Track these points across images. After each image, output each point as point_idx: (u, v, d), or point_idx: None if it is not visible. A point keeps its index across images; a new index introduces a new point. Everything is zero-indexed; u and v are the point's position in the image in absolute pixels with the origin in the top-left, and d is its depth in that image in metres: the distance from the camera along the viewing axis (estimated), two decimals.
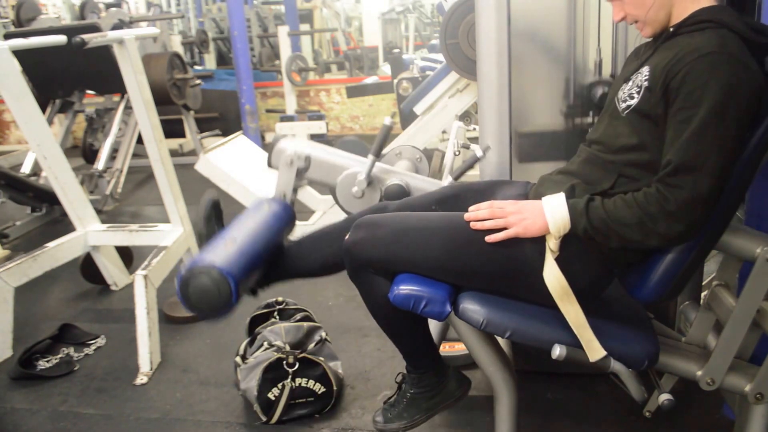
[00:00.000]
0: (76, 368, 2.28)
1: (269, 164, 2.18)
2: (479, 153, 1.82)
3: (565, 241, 1.26)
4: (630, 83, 1.29)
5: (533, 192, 1.44)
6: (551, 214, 1.25)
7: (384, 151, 2.17)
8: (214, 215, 1.59)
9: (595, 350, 1.25)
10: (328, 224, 1.64)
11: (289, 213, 1.70)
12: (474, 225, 1.30)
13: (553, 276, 1.26)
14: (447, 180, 2.15)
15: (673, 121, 1.17)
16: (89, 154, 4.76)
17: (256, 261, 1.47)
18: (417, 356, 1.52)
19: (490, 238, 1.28)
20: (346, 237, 1.39)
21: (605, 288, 1.35)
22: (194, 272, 1.36)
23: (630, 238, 1.21)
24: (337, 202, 2.20)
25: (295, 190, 2.18)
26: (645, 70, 1.25)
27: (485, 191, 1.57)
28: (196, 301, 1.37)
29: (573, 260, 1.27)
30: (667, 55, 1.20)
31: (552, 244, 1.26)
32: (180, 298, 1.39)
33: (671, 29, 1.26)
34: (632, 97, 1.26)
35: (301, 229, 3.42)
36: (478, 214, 1.30)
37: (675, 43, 1.22)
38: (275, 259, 1.60)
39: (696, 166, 1.14)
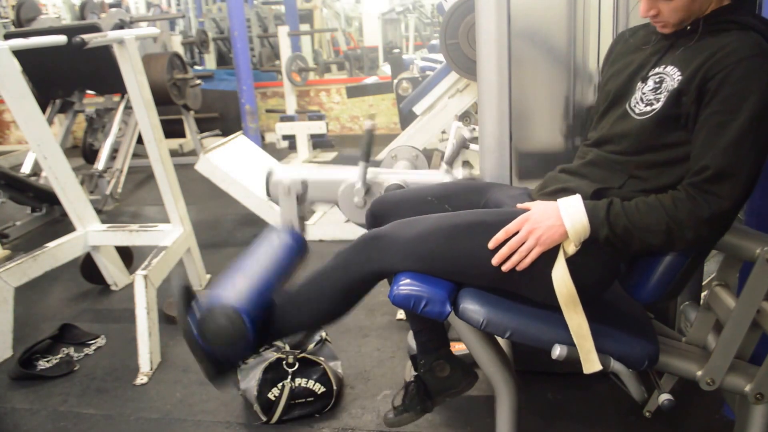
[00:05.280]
0: (76, 368, 2.28)
1: (268, 196, 2.15)
2: (467, 134, 1.79)
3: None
4: (650, 84, 1.24)
5: (537, 191, 1.43)
6: (570, 221, 1.21)
7: (381, 155, 2.13)
8: (188, 301, 1.53)
9: (591, 362, 1.22)
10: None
11: (300, 243, 1.67)
12: (504, 267, 1.24)
13: (562, 280, 1.22)
14: (443, 168, 2.12)
15: (708, 123, 1.14)
16: (89, 154, 4.76)
17: (268, 296, 1.48)
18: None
19: (521, 267, 1.24)
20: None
21: (610, 285, 1.33)
22: (210, 312, 1.38)
23: (654, 243, 1.19)
24: (345, 214, 2.18)
25: (302, 218, 2.15)
26: (673, 72, 1.20)
27: (483, 190, 1.56)
28: (213, 339, 1.38)
29: (582, 260, 1.24)
30: (697, 55, 1.17)
31: (570, 249, 1.23)
32: (196, 336, 1.40)
33: (688, 27, 1.23)
34: (657, 101, 1.21)
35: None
36: (502, 254, 1.24)
37: (703, 43, 1.18)
38: None
39: (734, 173, 1.12)
